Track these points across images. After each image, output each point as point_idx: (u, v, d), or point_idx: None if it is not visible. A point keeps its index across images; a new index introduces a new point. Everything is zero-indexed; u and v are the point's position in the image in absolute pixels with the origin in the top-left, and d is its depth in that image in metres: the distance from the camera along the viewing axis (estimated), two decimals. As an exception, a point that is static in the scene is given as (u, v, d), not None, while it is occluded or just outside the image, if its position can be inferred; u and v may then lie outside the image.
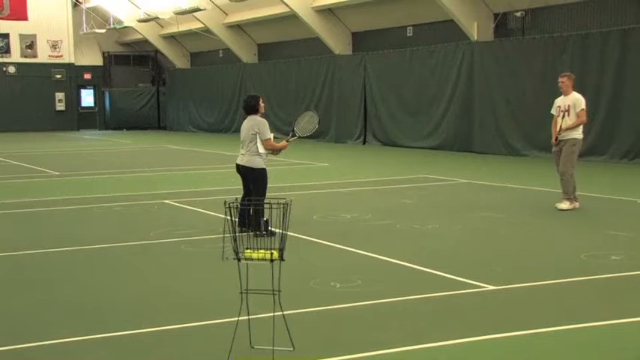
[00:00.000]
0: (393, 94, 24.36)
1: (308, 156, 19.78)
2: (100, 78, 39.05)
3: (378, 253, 8.09)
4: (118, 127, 38.17)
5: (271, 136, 9.23)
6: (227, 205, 4.79)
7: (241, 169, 9.21)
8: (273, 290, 4.93)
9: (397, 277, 7.20)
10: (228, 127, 33.42)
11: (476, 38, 21.39)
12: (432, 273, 7.23)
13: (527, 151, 19.64)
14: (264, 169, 9.17)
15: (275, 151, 9.29)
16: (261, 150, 9.10)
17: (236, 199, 5.45)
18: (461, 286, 6.66)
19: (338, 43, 26.88)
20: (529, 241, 8.92)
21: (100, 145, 27.98)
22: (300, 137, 9.49)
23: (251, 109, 9.29)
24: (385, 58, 24.68)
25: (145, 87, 39.46)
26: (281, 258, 4.87)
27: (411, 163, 19.47)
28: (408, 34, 24.61)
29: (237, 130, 32.75)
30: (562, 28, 19.64)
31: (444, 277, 7.06)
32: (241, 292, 5.03)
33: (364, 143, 25.59)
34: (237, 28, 31.78)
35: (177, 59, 37.40)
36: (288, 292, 5.53)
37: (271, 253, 4.89)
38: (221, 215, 9.82)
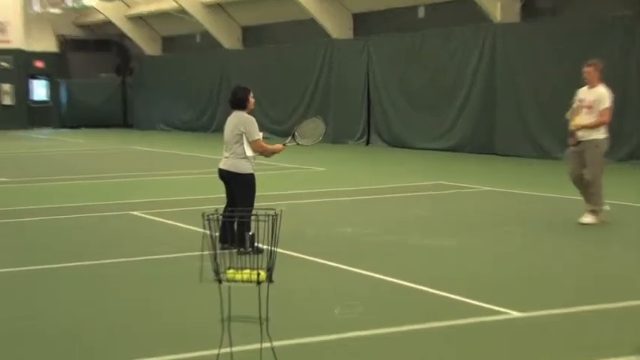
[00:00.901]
0: (402, 86, 24.40)
1: (301, 159, 19.78)
2: (54, 67, 39.05)
3: (385, 274, 8.08)
4: (76, 125, 38.17)
5: (260, 135, 9.18)
6: (206, 217, 4.79)
7: (225, 175, 9.17)
8: (260, 318, 4.91)
9: (407, 303, 7.18)
10: (206, 125, 33.44)
11: (499, 20, 21.45)
12: (447, 297, 7.22)
13: (560, 153, 19.68)
14: (251, 175, 9.11)
15: (266, 154, 9.25)
16: (249, 152, 9.05)
17: (216, 210, 5.44)
18: (482, 313, 6.66)
19: (336, 26, 26.94)
20: (561, 259, 8.92)
21: (55, 146, 27.98)
22: (298, 144, 9.46)
23: (238, 102, 9.21)
24: (392, 44, 24.72)
25: (108, 77, 39.48)
26: (269, 279, 4.86)
27: (422, 167, 19.47)
28: (420, 15, 24.67)
29: (218, 129, 33.20)
30: (603, 6, 19.67)
31: (463, 301, 7.05)
32: (222, 321, 5.01)
33: (367, 144, 25.62)
34: (218, 7, 31.84)
35: (147, 45, 37.43)
36: (277, 320, 5.52)
37: (258, 274, 4.88)
38: (198, 229, 9.81)
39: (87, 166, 20.42)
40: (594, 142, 10.69)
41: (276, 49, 29.42)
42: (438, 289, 7.45)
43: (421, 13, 24.66)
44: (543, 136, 20.20)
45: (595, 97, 10.70)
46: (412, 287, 7.61)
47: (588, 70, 10.85)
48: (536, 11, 21.21)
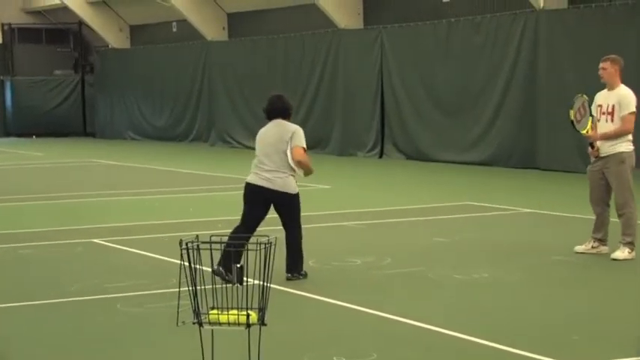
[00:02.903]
0: (423, 87, 24.45)
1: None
2: (-3, 62, 39.18)
3: (402, 315, 8.09)
4: (24, 134, 38.21)
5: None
6: (184, 246, 4.82)
7: (267, 195, 9.41)
8: (250, 368, 4.94)
9: (430, 350, 7.18)
10: (184, 133, 33.47)
11: (542, 5, 21.52)
12: (480, 344, 7.22)
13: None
14: (298, 194, 9.56)
15: (306, 168, 9.51)
16: (293, 164, 9.40)
17: (196, 236, 5.46)
18: (522, 363, 6.68)
19: (343, 13, 27.01)
20: (619, 299, 8.93)
21: (-1, 159, 28.00)
22: None
23: (282, 111, 9.59)
24: (411, 35, 24.79)
25: (63, 75, 39.55)
26: (261, 322, 4.89)
27: (448, 184, 19.48)
28: (444, 0, 24.75)
29: (199, 139, 33.35)
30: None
31: (499, 349, 7.05)
32: (204, 372, 5.03)
33: (381, 156, 25.65)
34: (198, -10, 31.97)
35: (112, 35, 37.52)
36: (271, 372, 5.54)
37: (247, 315, 4.91)
38: (175, 260, 9.83)
39: (38, 184, 20.42)
40: (618, 158, 10.50)
41: (269, 40, 29.49)
42: (466, 334, 7.45)
43: (446, -4, 24.76)
44: (596, 147, 20.20)
45: (616, 100, 10.52)
46: (434, 331, 7.61)
47: (604, 67, 10.60)
48: (587, -6, 21.28)
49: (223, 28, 32.44)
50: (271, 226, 9.69)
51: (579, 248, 10.87)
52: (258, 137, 9.68)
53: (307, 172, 9.57)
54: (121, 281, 9.69)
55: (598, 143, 10.59)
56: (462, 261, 10.71)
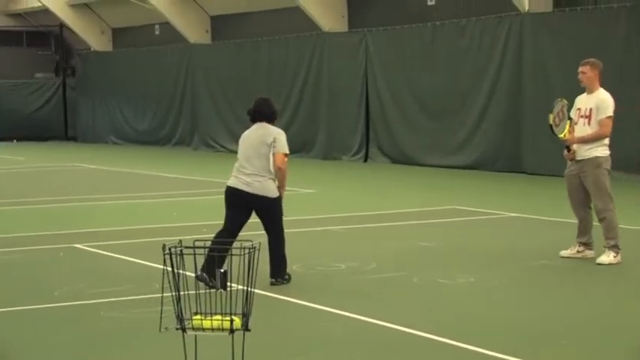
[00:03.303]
0: (408, 90, 24.50)
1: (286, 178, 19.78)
2: (-24, 65, 39.04)
3: (387, 320, 8.10)
4: (4, 137, 38.06)
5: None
6: (167, 251, 4.83)
7: (247, 199, 9.41)
8: (233, 374, 4.94)
9: (415, 355, 7.19)
10: (167, 137, 33.43)
11: (527, 8, 21.60)
12: (466, 349, 7.23)
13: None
14: (280, 197, 9.53)
15: (283, 176, 9.49)
16: (272, 170, 9.40)
17: (180, 241, 5.47)
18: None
19: (327, 16, 27.04)
20: (604, 300, 8.97)
21: (-21, 163, 27.88)
22: None
23: (267, 115, 9.59)
24: (396, 38, 24.84)
25: (45, 78, 39.46)
26: (245, 327, 4.90)
27: (433, 188, 19.50)
28: (429, 3, 24.81)
29: (182, 142, 33.29)
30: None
31: (485, 354, 7.06)
32: (188, 378, 5.04)
33: (366, 160, 25.68)
34: (181, -7, 31.95)
35: (94, 38, 37.45)
36: (255, 378, 5.54)
37: (231, 321, 4.92)
38: (158, 265, 9.83)
39: (19, 189, 20.36)
40: (595, 162, 10.55)
41: (253, 43, 29.50)
42: (452, 339, 7.47)
43: (431, -1, 24.82)
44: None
45: (594, 104, 10.58)
46: (420, 336, 7.62)
47: (584, 71, 10.68)
48: (573, -3, 21.38)
49: (206, 31, 32.43)
50: (255, 230, 9.70)
51: (565, 253, 10.91)
52: (240, 140, 9.69)
53: (281, 182, 9.56)
54: (103, 287, 9.67)
55: (575, 147, 10.66)
56: (448, 265, 10.73)
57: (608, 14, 19.94)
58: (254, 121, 9.64)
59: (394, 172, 23.10)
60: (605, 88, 10.83)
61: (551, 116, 10.83)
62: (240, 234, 9.33)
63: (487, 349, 7.14)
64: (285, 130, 9.86)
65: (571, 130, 10.66)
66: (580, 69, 10.79)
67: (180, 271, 5.24)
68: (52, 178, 23.49)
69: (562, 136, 10.69)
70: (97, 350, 7.44)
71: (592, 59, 10.90)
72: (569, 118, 10.67)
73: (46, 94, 39.19)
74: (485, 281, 9.82)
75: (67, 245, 12.40)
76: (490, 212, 15.22)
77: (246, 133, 9.69)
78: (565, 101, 10.78)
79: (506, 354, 7.00)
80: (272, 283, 9.45)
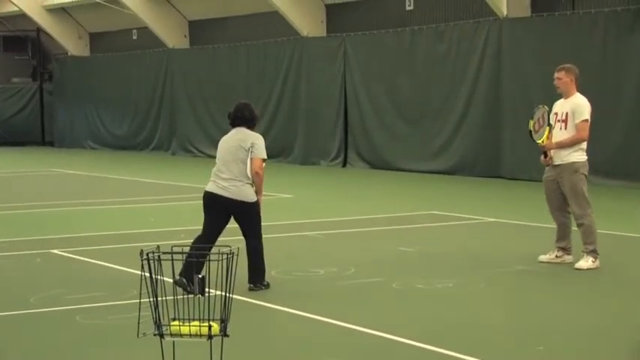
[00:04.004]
0: (386, 95, 24.53)
1: (264, 183, 19.76)
2: (-49, 70, 38.85)
3: (366, 326, 8.10)
4: (-19, 143, 37.94)
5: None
6: (144, 256, 4.81)
7: (225, 203, 9.40)
8: (212, 380, 4.93)
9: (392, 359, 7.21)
10: (146, 142, 33.35)
11: (505, 14, 21.68)
12: (445, 354, 7.24)
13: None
14: (258, 203, 9.50)
15: (260, 182, 9.47)
16: (250, 174, 9.38)
17: (157, 247, 5.45)
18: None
19: (306, 21, 27.06)
20: (582, 306, 9.01)
21: (-45, 168, 27.74)
22: None
23: (247, 120, 9.58)
24: (374, 43, 24.87)
25: (21, 83, 39.29)
26: (223, 333, 4.89)
27: (412, 194, 19.53)
28: (408, 7, 24.86)
29: (160, 147, 33.21)
30: (629, -2, 19.98)
31: (460, 359, 7.08)
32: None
33: (344, 165, 25.69)
34: (159, -3, 31.90)
35: (71, 43, 37.33)
36: (233, 384, 5.53)
37: (209, 326, 4.91)
38: (136, 271, 9.80)
39: (-5, 194, 20.27)
40: (572, 167, 10.59)
41: (231, 48, 29.47)
42: (431, 345, 7.48)
43: (409, 4, 24.86)
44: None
45: (570, 108, 10.64)
46: (399, 342, 7.63)
47: (559, 76, 10.75)
48: (551, 4, 21.45)
49: (185, 36, 32.39)
50: (234, 236, 9.69)
51: (543, 258, 10.95)
52: (219, 144, 9.68)
53: (258, 188, 9.55)
54: (80, 293, 9.63)
55: (552, 152, 10.70)
56: (426, 271, 10.74)
57: (586, 19, 20.03)
58: (234, 125, 9.64)
59: (373, 177, 23.13)
60: (583, 93, 10.89)
61: (531, 122, 10.89)
62: (219, 239, 9.32)
63: (466, 355, 7.17)
64: (264, 134, 9.86)
65: (549, 136, 10.71)
66: (555, 75, 10.86)
67: (158, 277, 5.23)
68: (28, 183, 23.38)
69: (540, 142, 10.72)
70: (73, 357, 7.42)
71: (567, 65, 10.96)
72: (549, 124, 10.71)
73: (23, 99, 39.03)
74: (464, 286, 9.84)
75: (43, 251, 12.35)
76: (469, 217, 15.26)
77: (225, 137, 9.69)
78: (546, 108, 10.82)
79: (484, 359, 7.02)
80: (250, 289, 9.44)
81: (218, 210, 9.47)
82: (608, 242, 11.63)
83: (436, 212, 15.95)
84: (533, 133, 10.86)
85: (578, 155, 10.65)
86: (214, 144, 9.82)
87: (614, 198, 17.27)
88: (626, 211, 16.21)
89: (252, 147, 9.41)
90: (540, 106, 10.95)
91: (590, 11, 20.13)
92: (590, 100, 10.82)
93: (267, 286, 9.59)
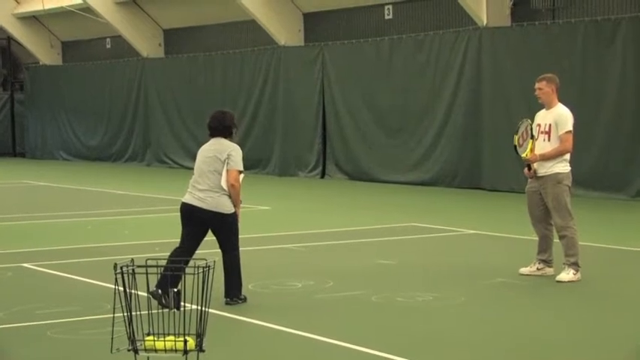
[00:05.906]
0: (365, 105, 24.56)
1: (241, 195, 19.76)
2: None
3: (345, 340, 8.09)
4: (-50, 154, 37.74)
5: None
6: (118, 270, 4.80)
7: (201, 215, 9.39)
8: (187, 396, 4.92)
9: (373, 376, 7.22)
10: (119, 153, 33.25)
11: (485, 23, 21.77)
12: (423, 368, 7.27)
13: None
14: (235, 214, 9.47)
15: (236, 193, 9.45)
16: (225, 186, 9.36)
17: (131, 260, 5.44)
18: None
19: (284, 29, 27.09)
20: (563, 319, 9.04)
21: None
22: None
23: (224, 129, 9.58)
24: (353, 52, 24.91)
25: (-9, 93, 39.13)
26: (199, 348, 4.88)
27: (391, 205, 19.55)
28: (387, 16, 24.93)
29: (134, 159, 33.14)
30: (610, 8, 20.11)
31: (442, 374, 7.12)
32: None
33: (323, 176, 25.69)
34: (133, 5, 31.84)
35: (43, 51, 37.21)
36: (210, 400, 5.52)
37: (185, 341, 4.90)
38: (109, 285, 9.77)
39: (-35, 206, 20.16)
40: (555, 178, 10.63)
41: (207, 57, 29.45)
42: (411, 359, 7.49)
43: (388, 13, 24.93)
44: (541, 167, 20.43)
45: (553, 120, 10.67)
46: (380, 356, 7.63)
47: (540, 87, 10.77)
48: (531, 13, 21.54)
49: (159, 45, 32.35)
50: (211, 248, 9.67)
51: (524, 270, 10.98)
52: (197, 155, 9.67)
53: (235, 200, 9.54)
54: (52, 307, 9.59)
55: (535, 164, 10.74)
56: (406, 284, 10.75)
57: (567, 29, 20.14)
58: (212, 135, 9.63)
59: (351, 188, 23.14)
60: (564, 103, 10.94)
61: (516, 137, 10.93)
62: (197, 252, 9.30)
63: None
64: (241, 145, 9.84)
65: (533, 149, 10.75)
66: (536, 85, 10.89)
67: (133, 291, 5.21)
68: (-1, 195, 23.29)
69: (524, 155, 10.76)
70: (45, 373, 7.38)
71: (548, 74, 11.00)
72: (532, 137, 10.74)
73: (-7, 109, 38.86)
74: (445, 300, 9.85)
75: (14, 265, 12.29)
76: (449, 229, 15.29)
77: (203, 147, 9.69)
78: (530, 121, 10.86)
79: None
80: (227, 303, 9.42)
81: (195, 221, 9.46)
82: (588, 254, 11.67)
83: (416, 224, 15.98)
84: (518, 147, 10.89)
85: (562, 166, 10.69)
86: (190, 155, 9.85)
87: (595, 209, 17.34)
88: (607, 222, 16.28)
89: (228, 158, 9.40)
90: (524, 119, 10.98)
91: (570, 21, 20.25)
92: (570, 110, 10.86)
93: (244, 299, 9.57)
